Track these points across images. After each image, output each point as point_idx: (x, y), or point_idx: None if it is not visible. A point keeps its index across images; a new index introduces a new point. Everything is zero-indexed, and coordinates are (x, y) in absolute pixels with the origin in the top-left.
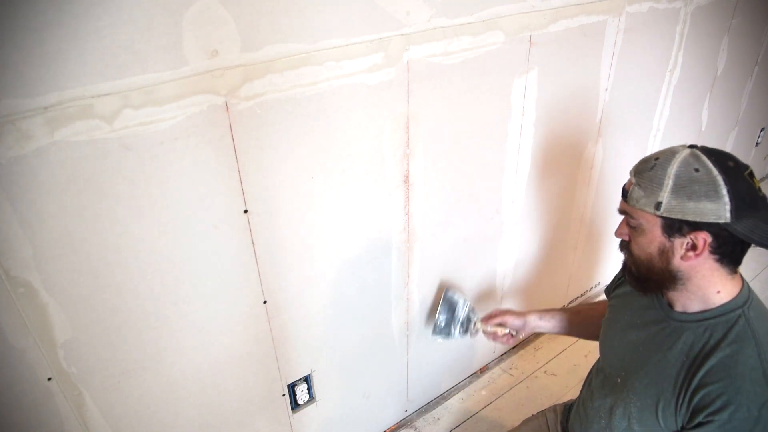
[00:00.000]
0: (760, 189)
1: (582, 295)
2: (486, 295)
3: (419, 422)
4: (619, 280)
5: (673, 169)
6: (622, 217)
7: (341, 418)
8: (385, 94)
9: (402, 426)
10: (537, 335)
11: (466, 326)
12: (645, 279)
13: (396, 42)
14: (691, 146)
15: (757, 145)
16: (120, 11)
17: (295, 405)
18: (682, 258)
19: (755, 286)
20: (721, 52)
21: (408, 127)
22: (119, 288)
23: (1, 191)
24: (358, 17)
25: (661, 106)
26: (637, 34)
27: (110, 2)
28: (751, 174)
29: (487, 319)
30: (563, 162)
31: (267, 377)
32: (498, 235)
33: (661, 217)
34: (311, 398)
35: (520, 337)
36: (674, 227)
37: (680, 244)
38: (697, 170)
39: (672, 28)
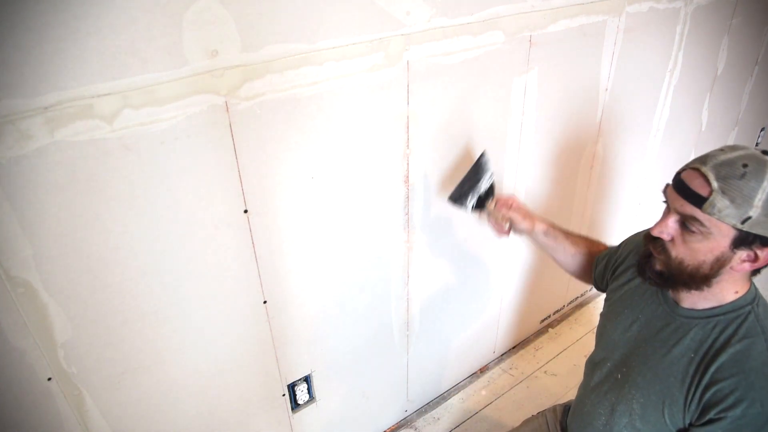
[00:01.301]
0: None
1: (582, 295)
2: (486, 293)
3: (419, 422)
4: (615, 266)
5: (767, 182)
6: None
7: (341, 418)
8: (385, 94)
9: (402, 426)
10: (537, 335)
11: (482, 202)
12: (675, 280)
13: (396, 42)
14: (765, 152)
15: (757, 145)
16: (120, 11)
17: (295, 405)
18: (732, 267)
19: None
20: (721, 52)
21: (408, 127)
22: (119, 288)
23: (1, 191)
24: (358, 17)
25: (661, 106)
26: (637, 34)
27: (110, 2)
28: None
29: (500, 204)
30: (563, 162)
31: (267, 377)
32: None
33: (740, 230)
34: (311, 398)
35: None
36: (747, 240)
37: (741, 254)
38: None
39: (672, 28)
